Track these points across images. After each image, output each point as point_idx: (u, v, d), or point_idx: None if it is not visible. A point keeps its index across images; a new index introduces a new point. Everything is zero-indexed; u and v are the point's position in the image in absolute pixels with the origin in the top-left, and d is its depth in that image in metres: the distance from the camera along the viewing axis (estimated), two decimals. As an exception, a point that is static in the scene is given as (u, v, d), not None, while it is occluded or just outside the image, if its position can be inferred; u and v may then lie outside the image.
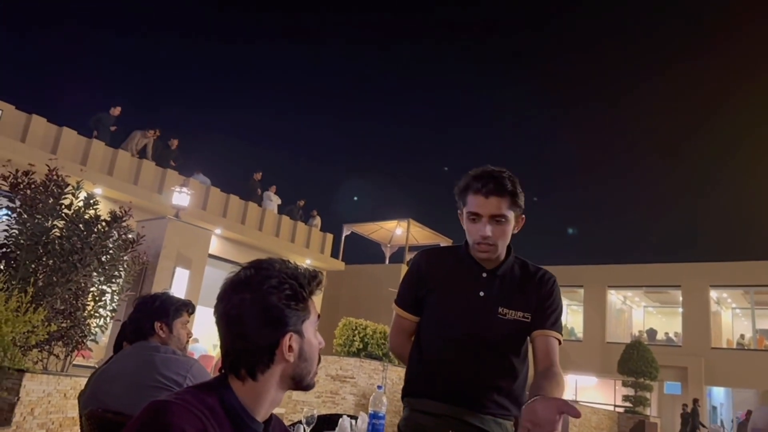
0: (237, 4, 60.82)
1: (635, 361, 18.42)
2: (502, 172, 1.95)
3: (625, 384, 18.84)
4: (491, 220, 1.92)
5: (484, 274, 2.01)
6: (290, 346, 1.14)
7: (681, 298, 22.75)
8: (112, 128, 14.38)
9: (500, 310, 1.96)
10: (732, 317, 24.69)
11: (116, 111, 14.48)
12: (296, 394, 10.90)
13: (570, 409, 1.53)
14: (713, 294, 22.55)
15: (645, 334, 23.56)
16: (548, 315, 1.98)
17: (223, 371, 1.16)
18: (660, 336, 23.86)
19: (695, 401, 18.30)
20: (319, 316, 1.24)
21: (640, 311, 26.31)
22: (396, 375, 10.42)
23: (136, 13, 55.78)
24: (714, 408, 22.65)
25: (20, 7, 48.73)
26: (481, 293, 1.99)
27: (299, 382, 1.18)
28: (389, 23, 63.28)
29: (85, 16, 54.59)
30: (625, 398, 18.79)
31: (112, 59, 55.48)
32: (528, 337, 1.98)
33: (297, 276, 1.17)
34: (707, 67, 53.06)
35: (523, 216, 2.01)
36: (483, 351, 1.95)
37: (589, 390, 23.68)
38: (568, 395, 22.26)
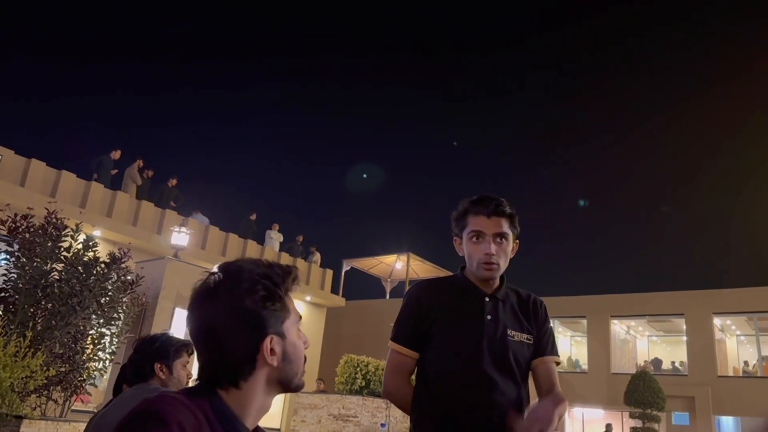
0: (229, 53, 61.81)
1: (642, 392, 18.15)
2: (499, 197, 2.05)
3: (632, 415, 18.54)
4: (494, 238, 1.99)
5: (487, 299, 2.02)
6: (272, 350, 1.07)
7: (685, 327, 22.58)
8: (113, 171, 14.45)
9: (509, 332, 2.00)
10: (737, 344, 24.46)
11: (116, 154, 14.55)
12: (299, 435, 10.72)
13: (563, 412, 1.80)
14: (717, 321, 22.38)
15: (650, 364, 23.31)
16: (547, 341, 2.08)
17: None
18: (665, 365, 23.60)
19: None
20: (300, 317, 1.17)
21: (645, 341, 26.07)
22: (400, 413, 10.23)
23: (133, 63, 56.67)
24: (724, 438, 22.26)
25: (26, 56, 49.57)
26: (489, 317, 2.00)
27: (287, 385, 1.12)
28: (380, 64, 64.29)
29: (82, 62, 55.45)
30: (633, 430, 18.47)
31: (111, 105, 56.26)
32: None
33: (269, 275, 1.09)
34: (717, 99, 53.75)
35: (518, 241, 2.10)
36: (498, 376, 1.93)
37: (596, 423, 23.30)
38: (575, 430, 21.92)
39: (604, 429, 19.01)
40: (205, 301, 1.07)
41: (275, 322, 1.08)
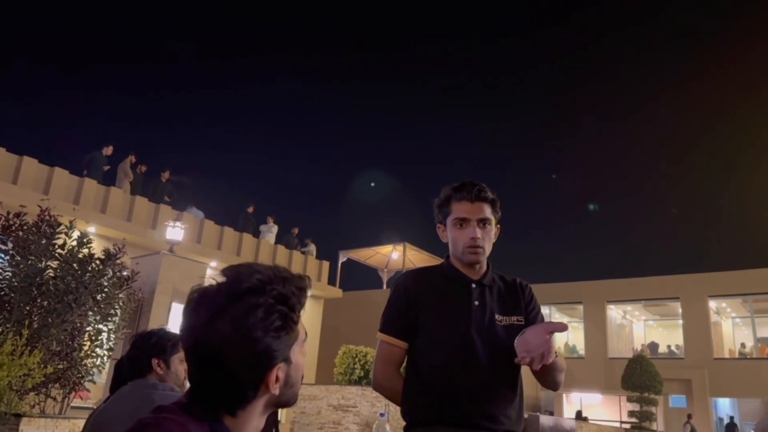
0: (221, 52, 61.46)
1: (639, 376, 18.28)
2: (481, 183, 2.07)
3: (630, 399, 18.69)
4: (479, 223, 2.02)
5: (473, 285, 2.04)
6: (277, 377, 0.99)
7: (681, 310, 22.70)
8: (106, 168, 14.31)
9: (497, 317, 2.00)
10: (732, 327, 24.62)
11: (108, 150, 14.41)
12: (299, 427, 10.75)
13: (556, 326, 1.77)
14: (712, 304, 22.51)
15: (647, 348, 23.44)
16: (534, 317, 2.08)
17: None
18: (662, 349, 23.75)
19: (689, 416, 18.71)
20: (306, 333, 1.08)
21: (641, 325, 26.21)
22: (399, 401, 10.25)
23: (127, 58, 56.27)
24: (720, 420, 22.45)
25: (18, 52, 49.14)
26: (476, 302, 2.01)
27: (284, 405, 1.05)
28: (373, 59, 64.11)
29: (79, 59, 55.07)
30: (631, 414, 18.61)
31: (106, 103, 55.95)
32: None
33: (285, 298, 0.99)
34: (707, 85, 53.88)
35: (499, 225, 2.12)
36: (488, 361, 1.93)
37: (594, 407, 23.47)
38: (573, 413, 22.04)
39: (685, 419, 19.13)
40: (212, 320, 0.96)
41: (285, 349, 1.00)
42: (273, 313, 0.97)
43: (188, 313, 0.99)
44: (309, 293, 1.05)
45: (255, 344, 0.95)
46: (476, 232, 2.01)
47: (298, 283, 1.03)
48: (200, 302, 0.98)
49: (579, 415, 18.76)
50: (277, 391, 1.00)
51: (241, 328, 0.95)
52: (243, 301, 0.96)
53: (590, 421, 18.01)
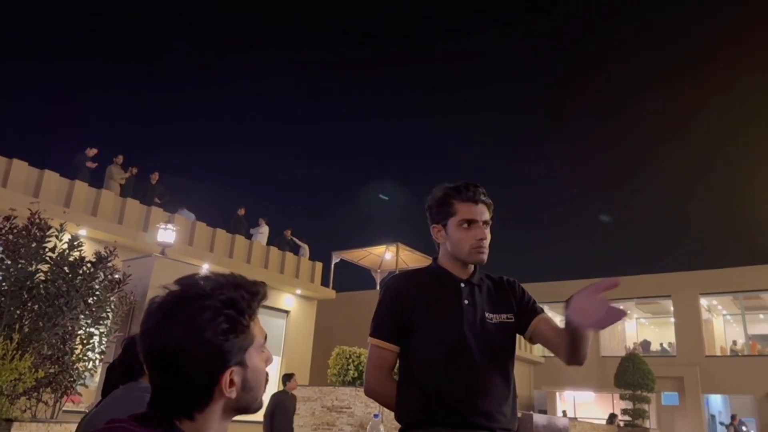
0: (217, 51, 61.34)
1: (631, 374, 18.37)
2: (479, 184, 2.10)
3: (622, 397, 18.77)
4: (484, 224, 2.06)
5: (462, 284, 2.05)
6: (231, 380, 1.00)
7: (672, 308, 22.82)
8: (92, 165, 14.12)
9: (487, 315, 2.01)
10: (724, 324, 24.77)
11: (91, 152, 14.26)
12: (294, 428, 10.72)
13: (607, 284, 1.74)
14: (703, 302, 22.65)
15: (639, 346, 23.55)
16: (533, 305, 2.11)
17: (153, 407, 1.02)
18: (654, 347, 23.88)
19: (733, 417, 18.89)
20: (266, 336, 1.08)
21: (633, 323, 26.33)
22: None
23: (117, 59, 56.04)
24: (713, 416, 22.58)
25: (10, 51, 48.83)
26: (466, 301, 2.02)
27: (245, 411, 1.06)
28: (366, 56, 64.12)
29: (72, 59, 54.79)
30: (624, 411, 18.70)
31: (96, 105, 55.69)
32: (516, 341, 2.07)
33: (234, 301, 1.01)
34: (695, 79, 54.21)
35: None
36: (482, 360, 1.94)
37: (587, 405, 23.56)
38: (569, 412, 22.10)
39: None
40: (163, 324, 0.99)
41: (237, 352, 1.01)
42: (220, 315, 0.99)
43: (143, 320, 1.02)
44: (264, 299, 1.07)
45: (205, 346, 0.98)
46: (485, 233, 2.05)
47: (251, 288, 1.05)
48: (154, 309, 1.02)
49: (612, 419, 18.71)
50: (233, 395, 1.01)
51: (190, 330, 0.98)
52: (191, 305, 1.00)
53: (583, 419, 18.06)
